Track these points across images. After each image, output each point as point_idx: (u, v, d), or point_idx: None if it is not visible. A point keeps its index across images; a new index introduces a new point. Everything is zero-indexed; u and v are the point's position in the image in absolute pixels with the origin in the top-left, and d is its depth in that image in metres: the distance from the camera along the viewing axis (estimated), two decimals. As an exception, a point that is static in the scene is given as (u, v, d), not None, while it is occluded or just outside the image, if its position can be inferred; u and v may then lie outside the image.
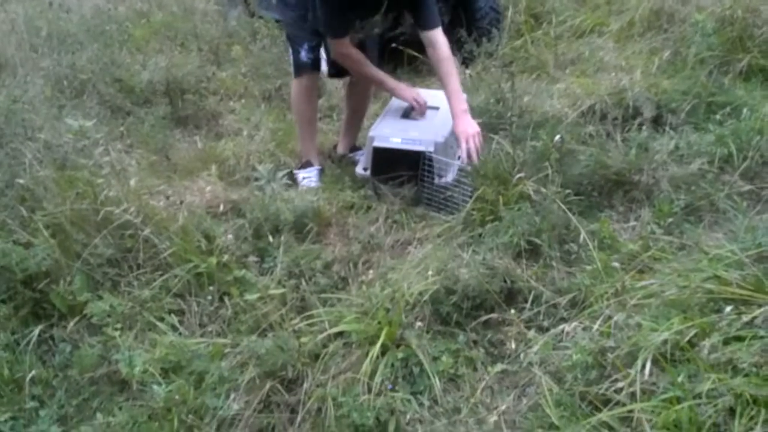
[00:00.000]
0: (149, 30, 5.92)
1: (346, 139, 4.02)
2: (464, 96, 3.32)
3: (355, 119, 4.01)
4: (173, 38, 5.67)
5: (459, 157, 3.21)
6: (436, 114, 3.53)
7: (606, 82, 3.84)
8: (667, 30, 4.40)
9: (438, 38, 3.34)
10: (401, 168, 3.28)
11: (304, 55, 3.60)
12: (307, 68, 3.62)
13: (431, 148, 3.23)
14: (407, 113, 3.58)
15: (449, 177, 3.24)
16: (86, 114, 4.01)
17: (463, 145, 3.16)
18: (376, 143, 3.35)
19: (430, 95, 3.64)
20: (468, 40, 4.24)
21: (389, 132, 3.38)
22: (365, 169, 3.43)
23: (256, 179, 3.30)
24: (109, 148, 3.24)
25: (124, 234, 2.88)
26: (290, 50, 3.69)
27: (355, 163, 3.69)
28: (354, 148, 3.99)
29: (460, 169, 3.20)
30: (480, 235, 2.87)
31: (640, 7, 4.66)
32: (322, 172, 3.72)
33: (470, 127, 3.20)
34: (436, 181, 3.23)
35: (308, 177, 3.63)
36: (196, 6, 6.19)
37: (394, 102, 3.67)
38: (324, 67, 3.80)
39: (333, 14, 3.36)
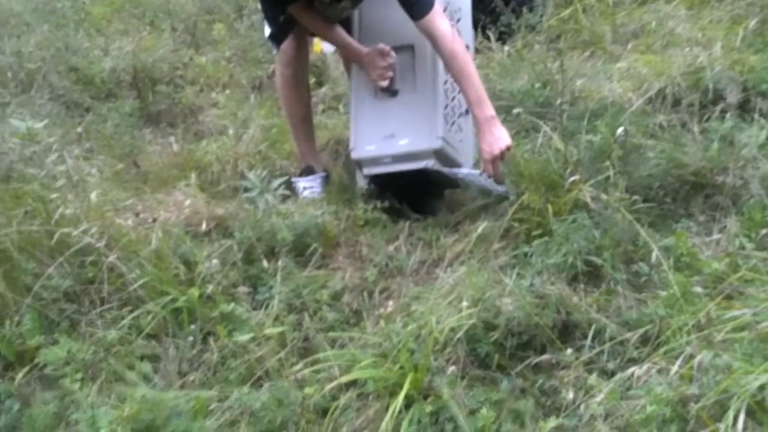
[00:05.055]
0: (111, 6, 5.97)
1: None
2: (486, 98, 3.18)
3: None
4: (141, 16, 5.71)
5: (482, 172, 3.20)
6: (414, 69, 3.41)
7: (678, 60, 3.81)
8: (752, -8, 4.37)
9: (436, 27, 3.19)
10: (407, 177, 3.29)
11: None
12: (280, 37, 3.60)
13: (432, 161, 3.23)
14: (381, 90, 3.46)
15: (466, 168, 3.29)
16: (36, 113, 4.04)
17: (488, 168, 3.14)
18: (366, 170, 3.31)
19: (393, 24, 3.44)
20: (505, 10, 4.25)
21: (374, 147, 3.30)
22: (369, 185, 3.41)
23: (246, 190, 3.29)
24: (65, 155, 3.26)
25: (84, 261, 2.88)
26: (264, 24, 3.72)
27: None
28: None
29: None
30: (526, 254, 2.84)
31: (718, -36, 4.64)
32: (327, 179, 3.72)
33: (496, 144, 3.11)
34: (453, 177, 3.26)
35: (310, 186, 3.64)
36: (168, -24, 6.24)
37: (355, 75, 3.57)
38: None
39: None
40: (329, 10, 3.45)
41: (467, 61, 3.21)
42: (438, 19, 3.20)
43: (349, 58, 3.72)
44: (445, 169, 3.26)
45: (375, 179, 3.36)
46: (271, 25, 3.64)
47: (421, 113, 3.32)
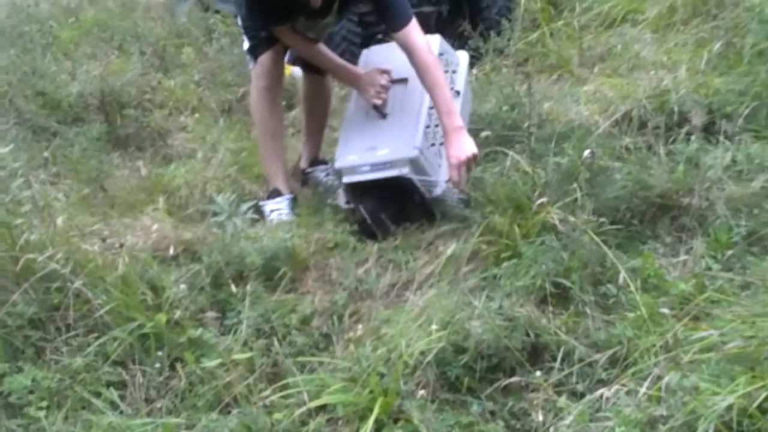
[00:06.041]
0: (79, 30, 5.95)
1: (307, 149, 4.11)
2: (457, 109, 3.33)
3: (315, 123, 4.07)
4: (109, 40, 5.70)
5: (448, 180, 3.30)
6: (404, 98, 3.55)
7: (644, 83, 3.85)
8: (716, 16, 4.41)
9: (412, 39, 3.34)
10: (385, 191, 3.34)
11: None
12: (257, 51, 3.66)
13: (406, 169, 3.28)
14: (374, 108, 3.60)
15: (440, 188, 3.33)
16: (1, 137, 4.00)
17: (453, 174, 3.22)
18: (345, 178, 3.40)
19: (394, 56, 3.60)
20: (473, 34, 4.27)
21: (355, 157, 3.40)
22: (347, 203, 3.46)
23: (214, 213, 3.29)
24: (31, 179, 3.23)
25: (49, 287, 2.84)
26: (243, 38, 3.77)
27: (318, 183, 3.84)
28: (317, 162, 4.04)
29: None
30: (495, 276, 2.85)
31: (683, -12, 4.69)
32: (294, 201, 3.71)
33: (462, 151, 3.21)
34: (427, 196, 3.32)
35: (278, 209, 3.62)
36: (136, -1, 6.26)
37: (354, 97, 3.70)
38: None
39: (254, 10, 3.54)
40: (312, 28, 3.50)
41: (440, 74, 3.33)
42: (414, 32, 3.33)
43: (341, 80, 3.82)
44: (419, 179, 3.28)
45: (353, 192, 3.39)
46: (250, 39, 3.70)
47: (403, 128, 3.42)
